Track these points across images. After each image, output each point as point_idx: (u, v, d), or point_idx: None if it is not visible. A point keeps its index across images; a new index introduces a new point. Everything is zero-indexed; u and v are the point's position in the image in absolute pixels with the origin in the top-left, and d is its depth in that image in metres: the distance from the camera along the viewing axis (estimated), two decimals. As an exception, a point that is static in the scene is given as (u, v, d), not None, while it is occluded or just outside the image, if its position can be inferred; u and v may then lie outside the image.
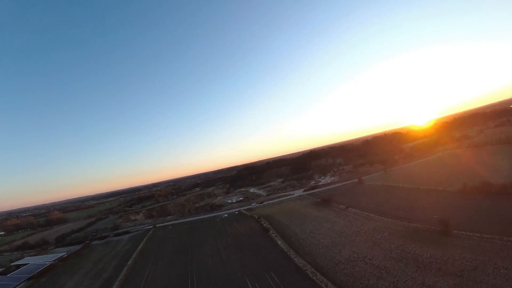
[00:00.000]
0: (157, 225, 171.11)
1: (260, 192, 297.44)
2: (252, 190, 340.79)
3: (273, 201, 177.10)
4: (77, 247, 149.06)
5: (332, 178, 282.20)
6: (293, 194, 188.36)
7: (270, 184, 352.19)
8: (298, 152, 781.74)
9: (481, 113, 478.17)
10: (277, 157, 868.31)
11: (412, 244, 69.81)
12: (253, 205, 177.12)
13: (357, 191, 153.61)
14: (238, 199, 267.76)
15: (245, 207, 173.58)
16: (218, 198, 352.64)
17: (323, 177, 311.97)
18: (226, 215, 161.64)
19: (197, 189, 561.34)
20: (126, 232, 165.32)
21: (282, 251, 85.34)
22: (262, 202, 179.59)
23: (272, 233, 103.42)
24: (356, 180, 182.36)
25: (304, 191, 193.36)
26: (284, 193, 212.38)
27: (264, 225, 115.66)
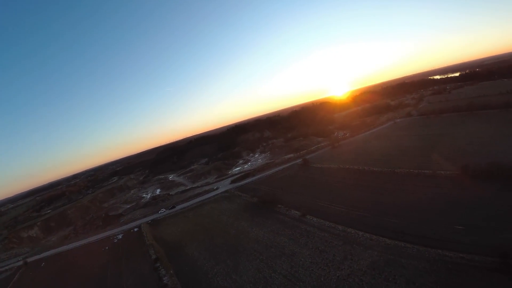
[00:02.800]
0: (29, 260, 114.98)
1: (180, 179, 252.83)
2: (171, 177, 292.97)
3: (190, 202, 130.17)
4: None
5: (263, 155, 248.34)
6: (217, 189, 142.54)
7: (192, 168, 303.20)
8: (223, 127, 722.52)
9: (408, 83, 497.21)
10: (200, 134, 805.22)
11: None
12: (161, 212, 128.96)
13: (306, 179, 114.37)
14: (153, 194, 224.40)
15: (150, 218, 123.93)
16: (132, 192, 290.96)
17: (252, 154, 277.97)
18: (117, 238, 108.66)
19: (115, 178, 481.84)
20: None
21: None
22: (174, 207, 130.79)
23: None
24: (299, 161, 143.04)
25: (233, 182, 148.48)
26: (206, 181, 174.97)
27: (165, 281, 64.39)
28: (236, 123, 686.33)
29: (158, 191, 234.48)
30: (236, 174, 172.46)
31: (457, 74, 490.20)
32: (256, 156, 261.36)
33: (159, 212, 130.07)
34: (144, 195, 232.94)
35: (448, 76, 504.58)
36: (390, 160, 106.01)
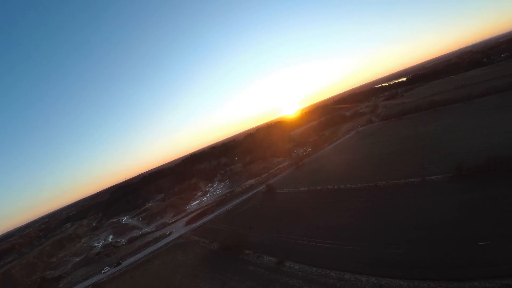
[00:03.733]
0: None
1: (134, 221, 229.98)
2: (125, 219, 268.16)
3: (139, 255, 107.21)
4: None
5: (222, 183, 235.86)
6: (170, 234, 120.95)
7: (147, 207, 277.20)
8: (179, 159, 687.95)
9: (358, 93, 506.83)
10: (156, 168, 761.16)
11: None
12: (105, 272, 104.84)
13: (274, 209, 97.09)
14: (105, 241, 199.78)
15: (92, 281, 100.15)
16: (82, 241, 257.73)
17: (210, 184, 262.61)
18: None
19: (68, 224, 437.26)
20: None
21: None
22: (119, 263, 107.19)
23: None
24: (263, 188, 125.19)
25: (188, 222, 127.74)
26: (162, 222, 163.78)
27: None
28: (192, 152, 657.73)
29: (110, 237, 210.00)
30: (193, 212, 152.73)
31: (404, 79, 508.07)
32: (214, 186, 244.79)
33: (103, 271, 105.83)
34: (96, 244, 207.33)
35: (396, 82, 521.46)
36: (368, 172, 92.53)
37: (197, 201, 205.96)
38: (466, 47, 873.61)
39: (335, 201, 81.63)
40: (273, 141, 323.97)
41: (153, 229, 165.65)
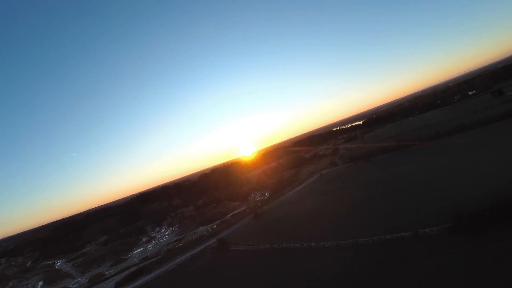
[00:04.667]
0: None
1: (69, 268, 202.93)
2: (59, 264, 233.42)
3: None
4: None
5: (171, 228, 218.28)
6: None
7: (85, 250, 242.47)
8: (128, 197, 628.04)
9: (317, 135, 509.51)
10: (104, 205, 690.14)
11: None
12: None
13: (227, 273, 75.41)
14: None
15: None
16: (10, 284, 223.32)
17: (158, 228, 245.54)
18: None
19: (3, 260, 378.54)
20: None
21: None
22: None
23: None
24: (214, 241, 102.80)
25: (119, 284, 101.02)
26: (98, 272, 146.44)
27: None
28: (142, 191, 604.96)
29: (40, 284, 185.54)
30: (130, 267, 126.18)
31: (360, 122, 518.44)
32: (163, 231, 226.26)
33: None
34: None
35: (353, 125, 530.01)
36: (344, 224, 75.23)
37: (141, 249, 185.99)
38: (415, 93, 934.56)
39: (303, 263, 62.57)
40: (229, 183, 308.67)
41: (86, 281, 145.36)
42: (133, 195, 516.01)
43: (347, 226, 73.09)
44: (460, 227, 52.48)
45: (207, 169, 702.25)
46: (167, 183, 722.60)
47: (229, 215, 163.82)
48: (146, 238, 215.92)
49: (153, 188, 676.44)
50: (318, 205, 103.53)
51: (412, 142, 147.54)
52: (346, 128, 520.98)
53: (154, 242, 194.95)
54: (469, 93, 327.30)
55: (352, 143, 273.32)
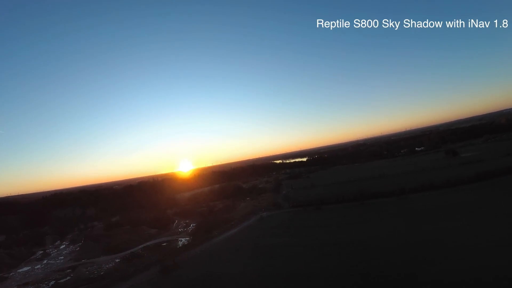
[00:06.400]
0: None
1: None
2: None
3: None
4: None
5: (72, 246, 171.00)
6: None
7: None
8: (41, 193, 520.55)
9: (259, 165, 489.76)
10: (11, 196, 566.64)
11: None
12: None
13: None
14: None
15: None
16: None
17: (58, 241, 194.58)
18: None
19: None
20: None
21: None
22: None
23: None
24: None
25: None
26: None
27: None
28: (58, 190, 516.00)
29: None
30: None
31: (304, 159, 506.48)
32: (62, 247, 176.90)
33: None
34: None
35: (296, 160, 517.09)
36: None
37: (28, 267, 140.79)
38: (357, 140, 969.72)
39: None
40: (152, 202, 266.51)
41: None
42: (48, 192, 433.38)
43: None
44: None
45: (138, 178, 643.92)
46: (88, 186, 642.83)
47: (140, 247, 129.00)
48: (41, 252, 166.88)
49: (72, 188, 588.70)
50: (257, 270, 71.83)
51: (373, 194, 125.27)
52: (289, 162, 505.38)
53: (45, 261, 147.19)
54: (417, 148, 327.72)
55: (296, 181, 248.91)
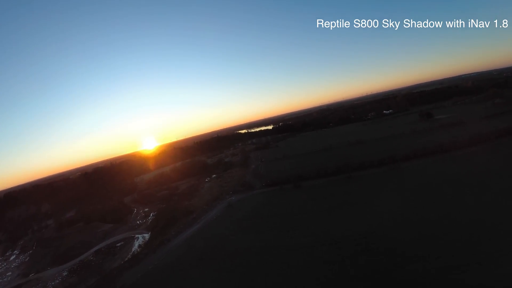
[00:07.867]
0: None
1: None
2: None
3: None
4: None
5: (22, 256, 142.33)
6: None
7: None
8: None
9: (223, 137, 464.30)
10: None
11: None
12: None
13: None
14: None
15: None
16: None
17: (9, 251, 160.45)
18: None
19: None
20: None
21: None
22: None
23: None
24: None
25: None
26: None
27: None
28: (11, 188, 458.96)
29: None
30: None
31: (270, 127, 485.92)
32: (12, 258, 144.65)
33: None
34: None
35: (261, 129, 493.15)
36: None
37: None
38: (320, 106, 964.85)
39: None
40: (109, 190, 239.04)
41: None
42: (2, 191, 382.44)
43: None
44: None
45: (99, 162, 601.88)
46: (43, 178, 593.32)
47: (92, 251, 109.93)
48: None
49: (24, 184, 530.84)
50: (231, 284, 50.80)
51: (361, 165, 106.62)
52: (255, 131, 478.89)
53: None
54: (385, 112, 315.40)
55: (265, 152, 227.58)
